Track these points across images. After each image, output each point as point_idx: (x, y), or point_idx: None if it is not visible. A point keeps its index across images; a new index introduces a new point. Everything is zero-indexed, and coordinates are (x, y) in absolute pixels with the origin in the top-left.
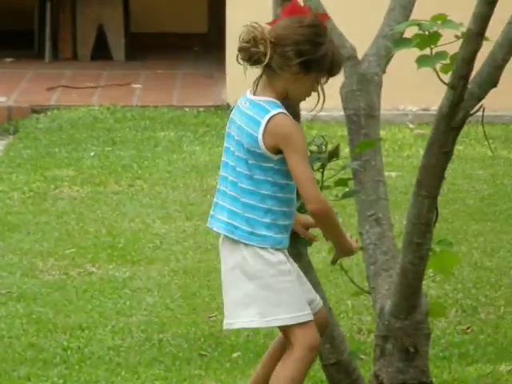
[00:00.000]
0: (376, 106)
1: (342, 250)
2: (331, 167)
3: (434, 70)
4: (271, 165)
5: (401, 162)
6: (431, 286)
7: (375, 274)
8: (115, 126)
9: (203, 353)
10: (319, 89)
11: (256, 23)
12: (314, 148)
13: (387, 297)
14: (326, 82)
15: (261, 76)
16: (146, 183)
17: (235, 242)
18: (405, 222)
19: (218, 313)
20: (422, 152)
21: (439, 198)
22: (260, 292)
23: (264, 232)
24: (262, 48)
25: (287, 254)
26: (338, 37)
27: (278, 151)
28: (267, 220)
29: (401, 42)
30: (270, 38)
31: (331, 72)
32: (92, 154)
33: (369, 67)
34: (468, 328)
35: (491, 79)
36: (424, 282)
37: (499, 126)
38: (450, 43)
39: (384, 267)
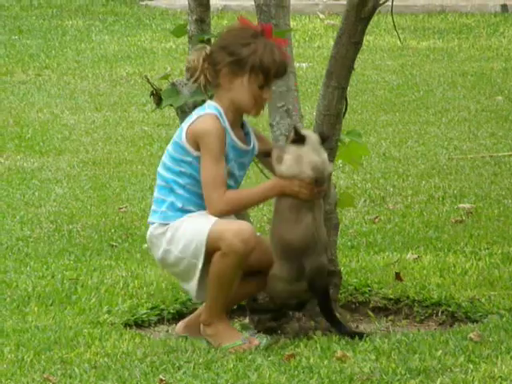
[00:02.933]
0: None
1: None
2: None
3: None
4: (189, 159)
5: (311, 53)
6: (340, 177)
7: None
8: (21, 14)
9: (113, 243)
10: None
11: (206, 46)
12: None
13: None
14: (268, 85)
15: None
16: (54, 73)
17: None
18: (315, 113)
19: (129, 204)
20: (332, 42)
21: (349, 88)
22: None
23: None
24: (196, 64)
25: None
26: None
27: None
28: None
29: None
30: (202, 55)
31: (267, 75)
32: None
33: None
34: (376, 218)
35: None
36: (333, 173)
37: (409, 16)
38: None
39: None
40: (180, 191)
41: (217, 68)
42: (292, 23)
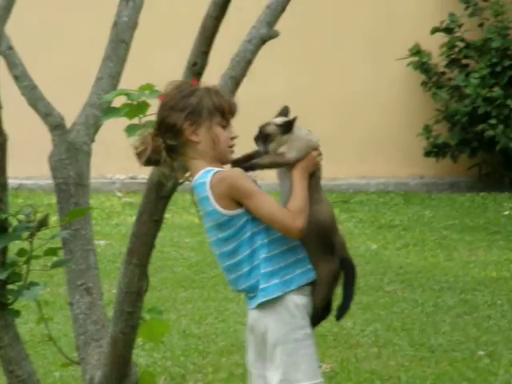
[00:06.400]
0: (86, 175)
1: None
2: (40, 236)
3: None
4: (243, 218)
5: (109, 231)
6: (140, 355)
7: (85, 343)
8: None
9: None
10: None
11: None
12: (22, 217)
13: (97, 367)
14: (227, 118)
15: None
16: None
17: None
18: (114, 291)
19: None
20: (130, 220)
21: (148, 265)
22: (284, 358)
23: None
24: (147, 146)
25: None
26: (46, 105)
27: (237, 203)
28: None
29: (109, 111)
30: (150, 133)
31: (223, 114)
32: None
33: (78, 136)
34: None
35: None
36: (133, 351)
37: None
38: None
39: (94, 337)
40: (262, 255)
41: (176, 128)
42: (90, 201)
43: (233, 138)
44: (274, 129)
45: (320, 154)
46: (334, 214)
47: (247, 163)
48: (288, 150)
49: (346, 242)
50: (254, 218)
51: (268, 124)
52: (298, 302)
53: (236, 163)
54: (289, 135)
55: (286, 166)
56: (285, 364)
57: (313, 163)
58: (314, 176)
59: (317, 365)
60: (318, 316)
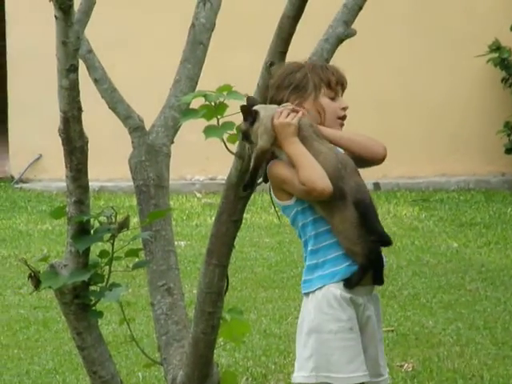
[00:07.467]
0: (165, 177)
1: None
2: (121, 238)
3: (222, 140)
4: (294, 210)
5: (189, 231)
6: (222, 355)
7: (167, 344)
8: None
9: None
10: (338, 103)
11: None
12: (103, 219)
13: (179, 367)
14: (335, 90)
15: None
16: None
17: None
18: (195, 291)
19: None
20: (209, 221)
21: (228, 266)
22: (318, 346)
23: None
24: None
25: (360, 302)
26: (125, 108)
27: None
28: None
29: (188, 112)
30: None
31: (330, 86)
32: None
33: (157, 138)
34: None
35: None
36: (215, 351)
37: None
38: (236, 113)
39: (176, 337)
40: (309, 247)
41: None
42: (170, 202)
43: (344, 109)
44: (245, 124)
45: (289, 112)
46: (341, 159)
47: (246, 182)
48: (258, 139)
49: (362, 184)
50: (303, 211)
51: (240, 124)
52: (339, 294)
53: (245, 187)
54: (258, 122)
55: (266, 153)
56: (316, 352)
57: (285, 128)
58: (300, 135)
59: (353, 359)
60: (369, 263)
